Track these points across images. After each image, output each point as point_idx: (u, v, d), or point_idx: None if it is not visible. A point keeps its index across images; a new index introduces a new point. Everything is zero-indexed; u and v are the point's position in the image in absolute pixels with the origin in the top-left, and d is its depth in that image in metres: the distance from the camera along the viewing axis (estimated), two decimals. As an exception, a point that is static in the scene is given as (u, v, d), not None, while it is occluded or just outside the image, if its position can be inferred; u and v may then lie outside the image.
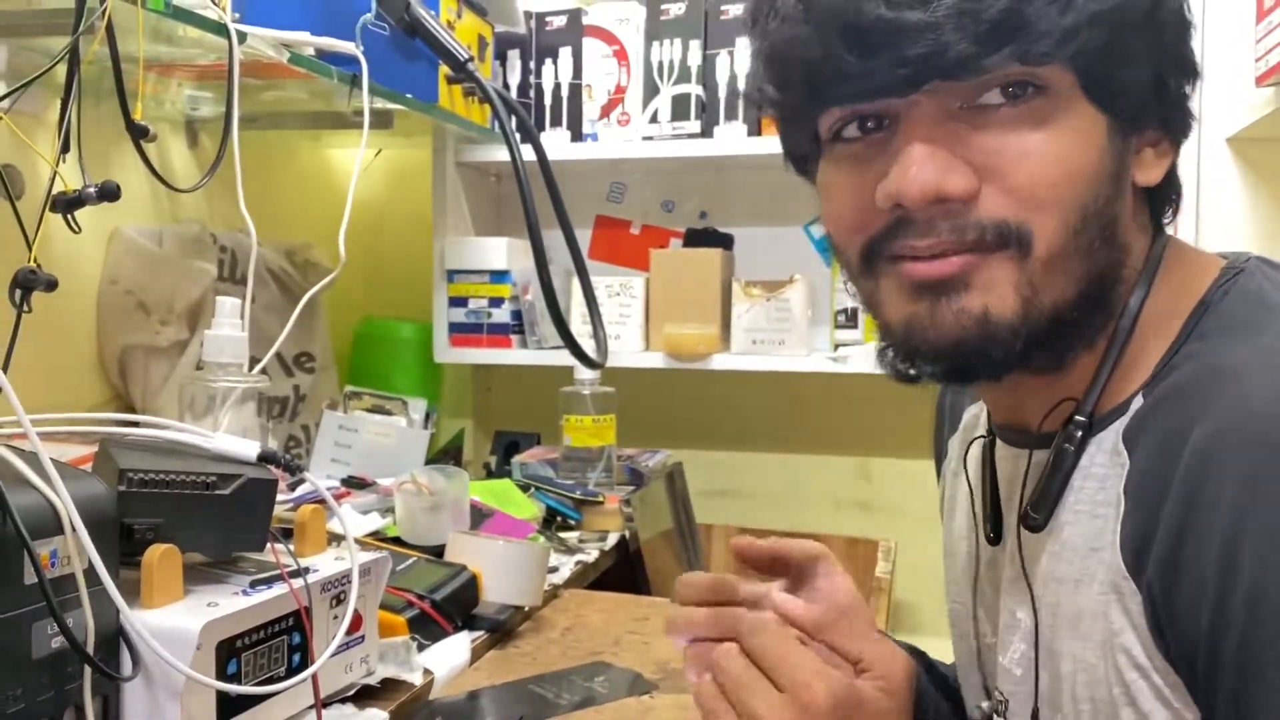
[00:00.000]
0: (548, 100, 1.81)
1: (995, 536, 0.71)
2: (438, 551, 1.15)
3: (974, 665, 0.76)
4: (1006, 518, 0.71)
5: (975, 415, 0.80)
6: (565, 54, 1.80)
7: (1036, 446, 0.66)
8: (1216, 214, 1.56)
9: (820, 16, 0.58)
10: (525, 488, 1.52)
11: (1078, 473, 0.63)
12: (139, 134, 0.88)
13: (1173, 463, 0.54)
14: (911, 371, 0.64)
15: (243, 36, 1.03)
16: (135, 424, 0.80)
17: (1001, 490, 0.71)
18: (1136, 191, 0.63)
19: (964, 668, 0.78)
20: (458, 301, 1.83)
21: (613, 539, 1.47)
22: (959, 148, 0.58)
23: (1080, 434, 0.62)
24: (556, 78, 1.81)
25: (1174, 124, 0.64)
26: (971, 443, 0.77)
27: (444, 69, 1.44)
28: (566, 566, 1.32)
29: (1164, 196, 0.66)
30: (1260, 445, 0.51)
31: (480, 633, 1.05)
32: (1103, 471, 0.61)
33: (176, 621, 0.69)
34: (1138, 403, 0.60)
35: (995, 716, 0.71)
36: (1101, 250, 0.60)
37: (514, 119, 1.47)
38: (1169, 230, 0.67)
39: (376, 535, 1.23)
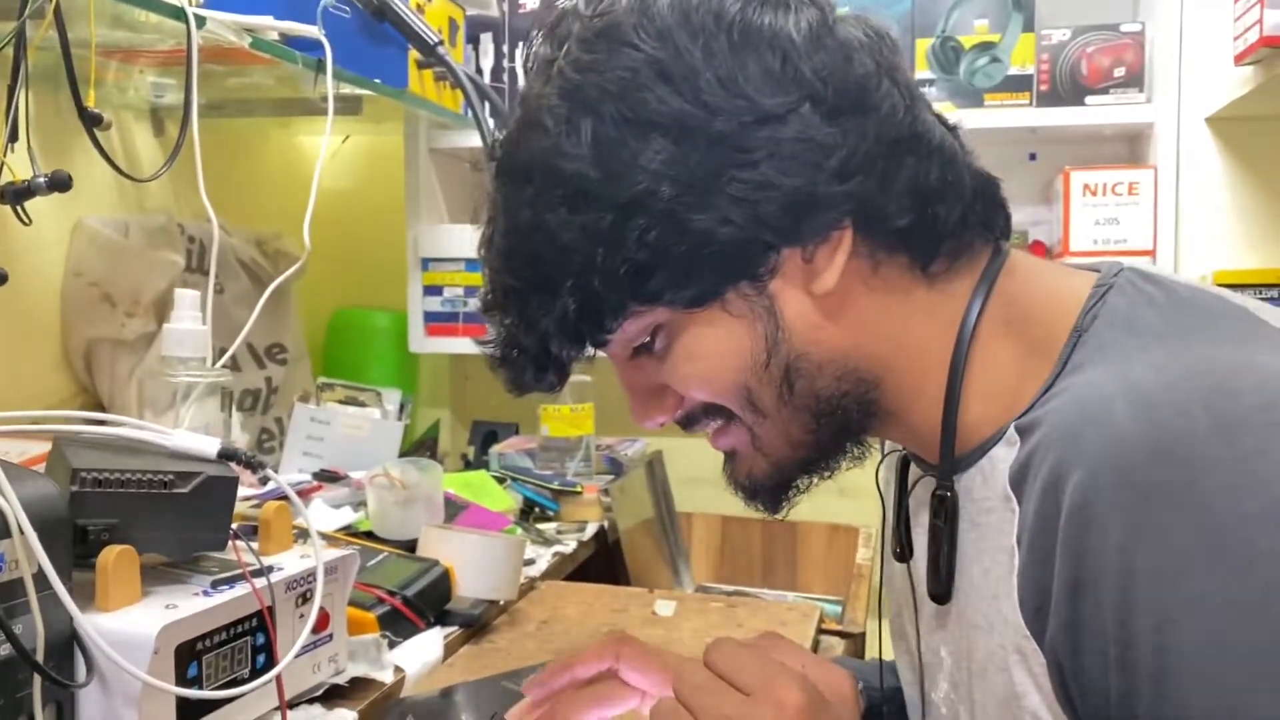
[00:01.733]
0: (521, 85, 1.78)
1: (901, 552, 0.70)
2: (411, 546, 1.13)
3: (915, 682, 0.74)
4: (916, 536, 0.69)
5: None
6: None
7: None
8: (1196, 195, 1.55)
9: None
10: (502, 479, 1.50)
11: (972, 512, 0.61)
12: (92, 121, 0.86)
13: (1055, 513, 0.52)
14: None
15: (201, 21, 1.00)
16: (90, 421, 0.77)
17: (911, 507, 0.70)
18: (859, 277, 0.61)
19: (906, 684, 0.77)
20: (433, 290, 1.80)
21: (591, 529, 1.45)
22: (648, 377, 0.66)
23: (946, 501, 0.62)
24: (530, 62, 1.78)
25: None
26: (885, 457, 0.76)
27: (414, 53, 1.41)
28: (544, 558, 1.30)
29: (922, 239, 0.61)
30: (1134, 491, 0.49)
31: (453, 628, 1.03)
32: (996, 518, 0.58)
33: (132, 625, 0.66)
34: (1012, 435, 0.57)
35: None
36: (813, 378, 0.62)
37: (487, 104, 1.45)
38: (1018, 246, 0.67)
39: (348, 530, 1.21)
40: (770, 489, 0.68)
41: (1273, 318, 0.57)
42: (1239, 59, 1.37)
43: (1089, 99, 1.57)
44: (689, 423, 0.67)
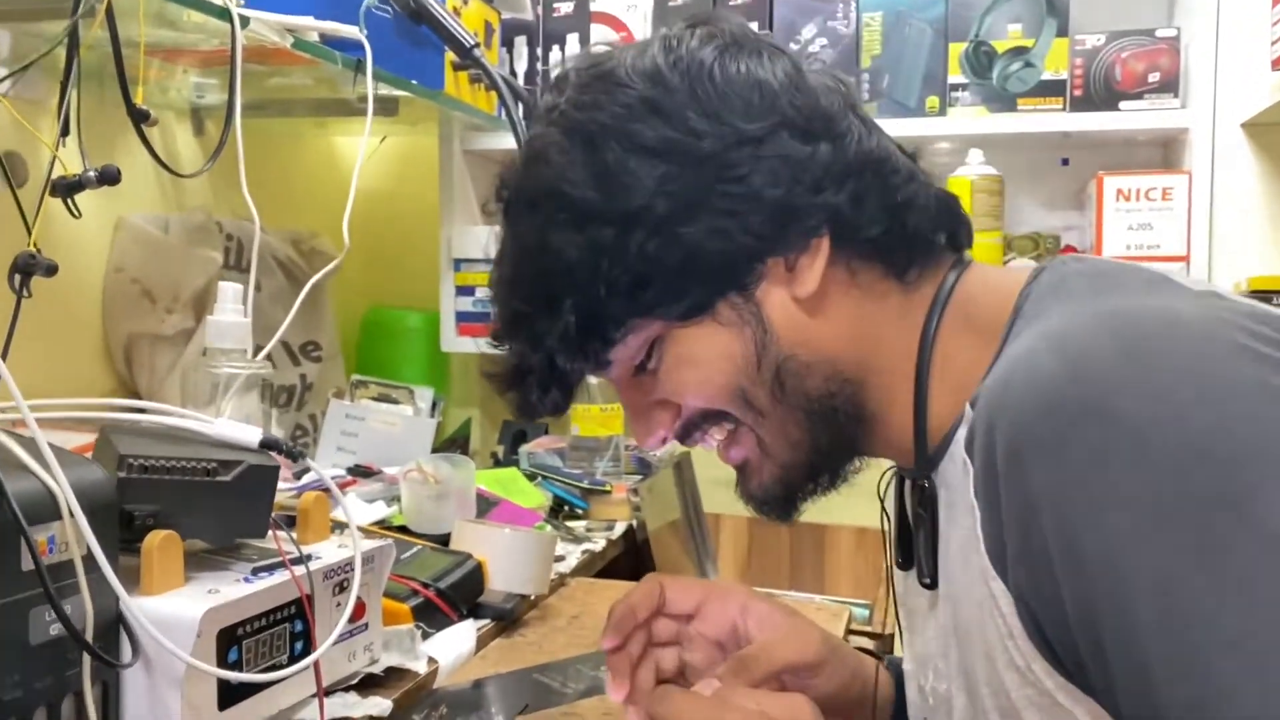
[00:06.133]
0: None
1: (905, 562, 0.73)
2: (444, 540, 1.14)
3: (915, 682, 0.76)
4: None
5: None
6: (573, 40, 1.79)
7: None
8: (1231, 200, 1.54)
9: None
10: (532, 476, 1.51)
11: (945, 497, 0.65)
12: (140, 118, 0.88)
13: (993, 460, 0.55)
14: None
15: (245, 21, 1.02)
16: (136, 410, 0.79)
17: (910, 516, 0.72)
18: (837, 283, 0.66)
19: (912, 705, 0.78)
20: (465, 290, 1.82)
21: (620, 528, 1.46)
22: (647, 395, 0.69)
23: (924, 492, 0.66)
24: (564, 64, 1.79)
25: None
26: (885, 474, 0.78)
27: (450, 55, 1.43)
28: (573, 555, 1.31)
29: (893, 248, 0.67)
30: (1056, 418, 0.52)
31: (486, 621, 1.05)
32: (959, 485, 0.62)
33: (177, 608, 0.68)
34: (967, 413, 0.61)
35: None
36: (802, 378, 0.65)
37: (520, 106, 1.46)
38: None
39: (382, 524, 1.23)
40: (780, 497, 0.70)
41: (1190, 282, 0.60)
42: (1276, 64, 1.36)
43: (1123, 104, 1.57)
44: (687, 431, 0.70)
